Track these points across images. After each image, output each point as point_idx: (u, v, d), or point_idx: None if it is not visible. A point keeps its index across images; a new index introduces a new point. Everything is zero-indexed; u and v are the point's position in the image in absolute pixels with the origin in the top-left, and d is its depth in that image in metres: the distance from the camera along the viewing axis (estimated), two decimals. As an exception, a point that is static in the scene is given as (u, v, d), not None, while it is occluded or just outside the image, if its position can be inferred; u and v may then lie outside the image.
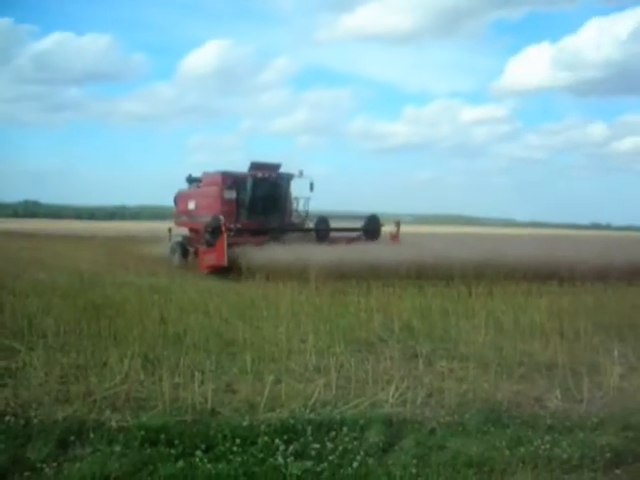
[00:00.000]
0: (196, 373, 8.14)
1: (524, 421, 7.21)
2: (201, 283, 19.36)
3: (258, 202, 28.15)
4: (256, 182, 28.23)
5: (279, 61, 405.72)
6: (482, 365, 9.41)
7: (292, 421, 6.84)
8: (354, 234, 28.56)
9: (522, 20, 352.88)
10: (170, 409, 7.29)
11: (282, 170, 29.35)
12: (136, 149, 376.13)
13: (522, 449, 6.31)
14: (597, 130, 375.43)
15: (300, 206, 29.30)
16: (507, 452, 6.24)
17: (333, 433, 6.58)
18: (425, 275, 20.89)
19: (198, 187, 30.76)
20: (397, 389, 8.03)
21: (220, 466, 5.78)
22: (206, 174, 30.29)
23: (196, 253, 27.95)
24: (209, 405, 7.44)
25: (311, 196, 28.45)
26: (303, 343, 10.58)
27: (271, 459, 5.95)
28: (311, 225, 28.75)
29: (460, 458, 6.09)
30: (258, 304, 14.00)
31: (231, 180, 28.18)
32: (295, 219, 29.41)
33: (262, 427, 6.64)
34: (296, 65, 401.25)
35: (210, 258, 24.43)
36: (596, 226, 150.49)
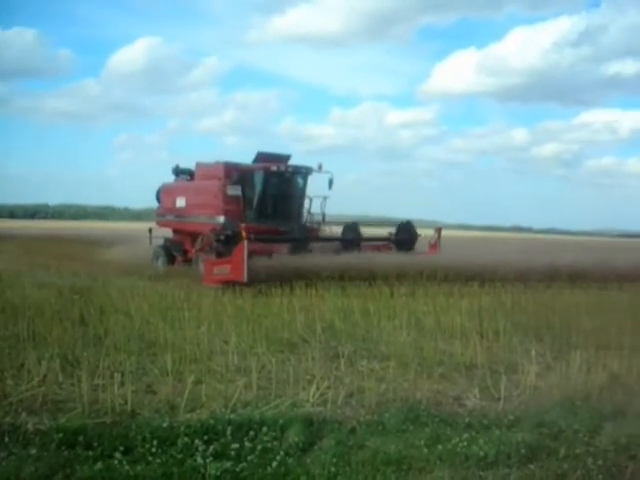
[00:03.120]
0: (116, 374, 8.03)
1: (443, 419, 7.31)
2: (123, 284, 19.06)
3: (270, 201, 23.96)
4: (268, 176, 23.73)
5: (208, 61, 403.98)
6: (402, 365, 9.52)
7: (212, 422, 6.82)
8: (380, 243, 24.78)
9: (450, 26, 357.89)
10: (89, 411, 7.21)
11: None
12: (61, 146, 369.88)
13: (440, 447, 6.42)
14: (519, 135, 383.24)
15: (314, 207, 24.79)
16: (425, 450, 6.33)
17: (253, 433, 6.60)
18: (349, 276, 20.88)
19: (189, 180, 27.09)
20: (318, 389, 8.09)
21: (139, 468, 5.74)
22: (201, 165, 26.23)
23: (185, 259, 25.33)
24: (129, 406, 7.38)
25: (329, 195, 24.19)
26: (225, 344, 10.58)
27: (190, 460, 5.94)
28: (329, 231, 24.97)
29: (379, 456, 6.15)
30: (180, 305, 13.88)
31: (236, 173, 23.86)
32: (309, 223, 24.59)
33: (182, 428, 6.62)
34: (225, 65, 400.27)
35: (222, 271, 19.76)
36: (517, 229, 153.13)
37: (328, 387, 8.25)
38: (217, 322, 12.15)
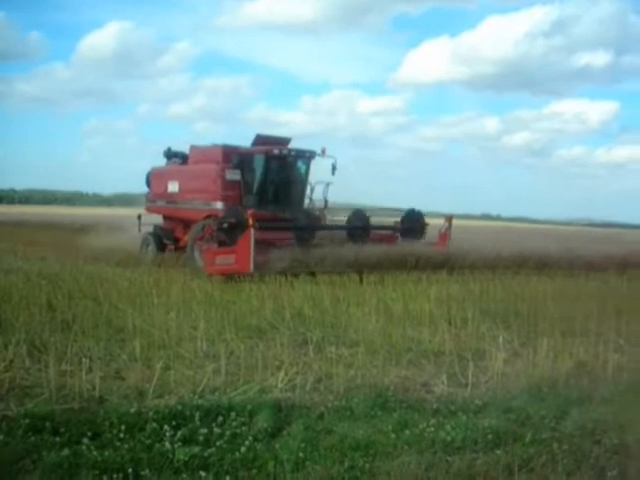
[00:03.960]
0: (84, 360, 7.99)
1: (410, 405, 7.37)
2: (91, 269, 18.90)
3: (271, 187, 22.63)
4: (270, 160, 22.34)
5: (180, 46, 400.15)
6: (371, 351, 9.55)
7: (180, 407, 6.82)
8: (386, 232, 23.56)
9: (424, 15, 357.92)
10: (56, 397, 7.16)
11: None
12: (29, 131, 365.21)
13: (407, 432, 6.46)
14: (490, 124, 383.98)
15: (316, 193, 23.51)
16: (393, 435, 6.37)
17: (221, 419, 6.60)
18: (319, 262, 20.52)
19: (182, 164, 25.47)
20: (286, 375, 8.10)
21: (107, 453, 5.71)
22: (197, 148, 24.68)
23: (177, 247, 24.00)
24: (97, 392, 7.35)
25: (332, 181, 23.07)
26: (194, 330, 10.52)
27: (158, 445, 5.92)
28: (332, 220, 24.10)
29: (347, 442, 6.18)
30: (149, 291, 13.80)
31: (236, 156, 22.54)
32: (311, 211, 23.18)
33: (150, 414, 6.61)
34: (196, 51, 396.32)
35: (226, 261, 18.60)
36: (487, 217, 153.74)
37: (296, 373, 8.28)
38: (186, 308, 12.10)
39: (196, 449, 5.87)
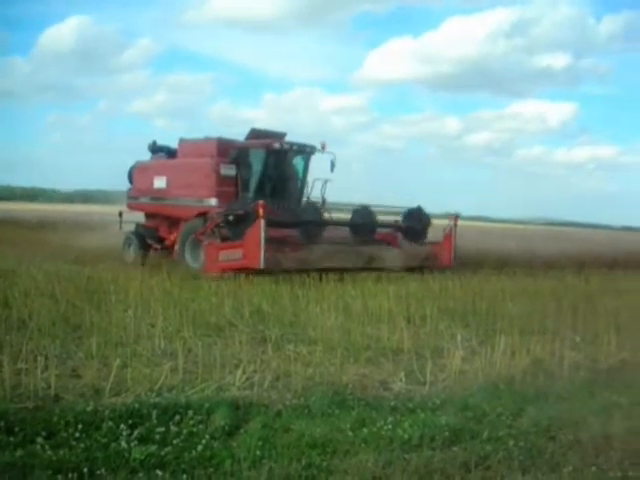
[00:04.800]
0: (39, 358, 7.90)
1: (369, 403, 7.37)
2: (49, 266, 18.67)
3: (269, 183, 21.20)
4: (269, 154, 20.98)
5: (141, 42, 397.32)
6: (330, 349, 9.57)
7: (137, 405, 6.74)
8: (386, 231, 22.28)
9: (386, 14, 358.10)
10: (11, 396, 7.03)
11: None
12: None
13: (365, 430, 6.46)
14: (451, 123, 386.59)
15: (313, 191, 22.33)
16: (350, 433, 6.38)
17: (178, 417, 6.54)
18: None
19: (169, 158, 24.10)
20: (244, 373, 8.06)
21: (61, 452, 5.64)
22: (187, 141, 23.33)
23: (163, 247, 23.02)
24: (52, 391, 7.25)
25: (331, 178, 21.88)
26: (152, 327, 10.48)
27: (115, 444, 5.86)
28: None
29: (304, 440, 6.16)
30: (107, 288, 13.68)
31: (232, 150, 21.43)
32: (318, 205, 21.53)
33: (107, 412, 6.52)
34: (159, 47, 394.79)
35: (231, 257, 17.74)
36: (447, 215, 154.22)
37: (255, 371, 8.24)
38: (144, 305, 12.01)
39: (153, 448, 5.82)
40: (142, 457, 5.62)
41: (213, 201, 20.78)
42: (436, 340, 10.69)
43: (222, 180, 20.94)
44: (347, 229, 21.12)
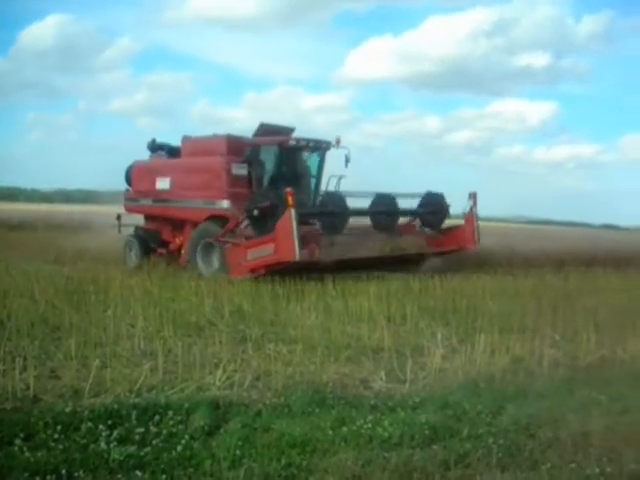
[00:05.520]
0: (18, 359, 7.87)
1: (349, 402, 7.38)
2: (28, 267, 18.53)
3: (284, 182, 18.94)
4: (284, 152, 19.79)
5: (122, 40, 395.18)
6: (310, 348, 9.56)
7: (117, 406, 6.72)
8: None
9: (367, 13, 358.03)
10: (-11, 397, 7.03)
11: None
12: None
13: (345, 429, 6.46)
14: (432, 122, 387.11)
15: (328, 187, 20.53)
16: (330, 432, 6.37)
17: (158, 417, 6.53)
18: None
19: (171, 157, 22.80)
20: (225, 372, 8.05)
21: (40, 454, 5.61)
22: (191, 139, 21.88)
23: (169, 251, 21.79)
24: (31, 392, 7.21)
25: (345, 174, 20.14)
26: (132, 327, 10.44)
27: (93, 445, 5.84)
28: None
29: (284, 439, 6.16)
30: (87, 288, 13.64)
31: (245, 148, 20.03)
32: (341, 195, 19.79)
33: (86, 413, 6.51)
34: (139, 45, 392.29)
35: (262, 253, 16.61)
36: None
37: (235, 370, 8.24)
38: (124, 306, 11.98)
39: (132, 448, 5.80)
40: (121, 458, 5.59)
41: (225, 203, 19.35)
42: (416, 339, 10.70)
43: (234, 180, 19.54)
44: (366, 218, 20.44)
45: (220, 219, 19.28)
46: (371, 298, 13.48)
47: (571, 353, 10.07)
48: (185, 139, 22.00)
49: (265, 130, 20.83)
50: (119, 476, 5.35)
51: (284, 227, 16.03)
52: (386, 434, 6.36)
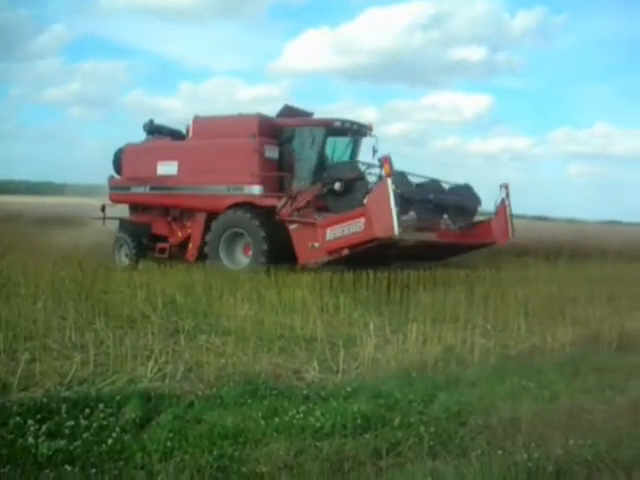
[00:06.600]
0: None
1: (281, 392, 7.35)
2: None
3: (322, 168, 18.02)
4: (328, 135, 18.38)
5: (55, 28, 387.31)
6: (243, 339, 9.52)
7: (46, 400, 6.62)
8: None
9: (305, 4, 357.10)
10: None
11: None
12: None
13: (277, 419, 6.45)
14: (369, 114, 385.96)
15: None
16: (262, 423, 6.36)
17: (89, 410, 6.43)
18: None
19: (175, 139, 21.09)
20: (157, 364, 7.98)
21: (-34, 450, 5.51)
22: (207, 119, 19.91)
23: (173, 246, 20.01)
24: (-44, 387, 7.08)
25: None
26: (63, 320, 10.28)
27: (21, 440, 5.73)
28: None
29: (216, 430, 6.13)
30: (16, 280, 13.40)
31: (275, 129, 18.68)
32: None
33: (14, 407, 6.38)
34: (73, 33, 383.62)
35: (347, 230, 15.10)
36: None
37: (167, 362, 8.17)
38: (55, 298, 11.78)
39: (61, 443, 5.70)
40: (50, 452, 5.50)
41: (256, 189, 17.95)
42: (350, 329, 10.76)
43: (265, 164, 18.15)
44: None
45: (249, 207, 17.98)
46: (305, 288, 13.50)
47: (502, 342, 10.23)
48: (197, 119, 20.06)
49: (289, 112, 19.69)
50: (47, 471, 5.25)
51: (379, 199, 14.49)
52: (318, 424, 6.37)
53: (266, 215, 17.49)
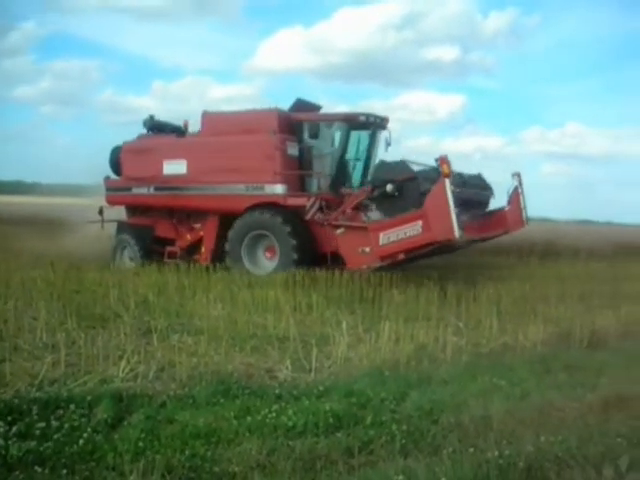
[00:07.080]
0: None
1: (254, 392, 7.36)
2: None
3: (344, 165, 17.79)
4: (351, 130, 17.80)
5: (26, 25, 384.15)
6: (215, 338, 9.52)
7: (17, 401, 6.57)
8: None
9: (278, 3, 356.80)
10: None
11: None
12: None
13: (249, 419, 6.45)
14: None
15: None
16: (235, 422, 6.36)
17: (60, 411, 6.41)
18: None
19: (179, 136, 19.83)
20: (129, 364, 7.94)
21: None
22: (219, 114, 19.02)
23: (182, 249, 19.16)
24: None
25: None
26: (34, 320, 10.20)
27: (-9, 442, 5.70)
28: None
29: (188, 430, 6.12)
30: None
31: (294, 125, 17.96)
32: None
33: (-17, 410, 6.35)
34: (44, 31, 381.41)
35: (403, 234, 14.33)
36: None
37: (139, 362, 8.13)
38: (26, 298, 11.71)
39: (32, 444, 5.65)
40: (20, 454, 5.46)
41: (279, 188, 17.13)
42: (322, 328, 10.77)
43: (287, 161, 17.38)
44: None
45: (273, 207, 17.20)
46: (277, 288, 13.51)
47: (474, 340, 10.28)
48: (207, 114, 19.00)
49: (302, 106, 18.89)
50: (17, 472, 5.21)
51: (438, 200, 13.84)
52: (290, 423, 6.38)
53: (292, 216, 16.95)
